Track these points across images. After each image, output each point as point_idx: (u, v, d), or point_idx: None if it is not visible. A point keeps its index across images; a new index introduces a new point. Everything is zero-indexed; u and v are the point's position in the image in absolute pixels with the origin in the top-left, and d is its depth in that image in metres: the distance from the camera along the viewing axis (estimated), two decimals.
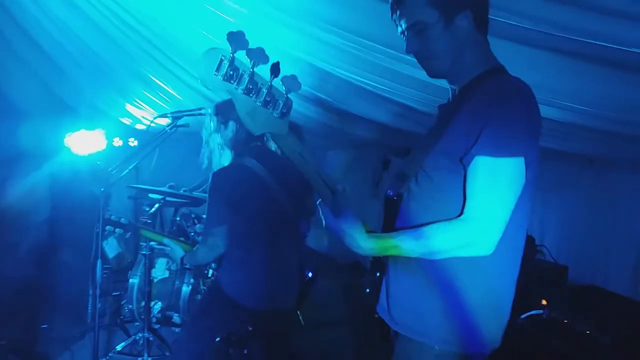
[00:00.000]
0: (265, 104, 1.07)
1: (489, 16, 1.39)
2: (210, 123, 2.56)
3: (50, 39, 4.23)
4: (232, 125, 2.51)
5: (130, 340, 3.83)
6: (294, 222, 2.67)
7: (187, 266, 2.63)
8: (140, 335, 3.77)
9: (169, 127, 2.54)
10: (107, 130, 5.85)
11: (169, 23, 3.17)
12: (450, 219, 1.28)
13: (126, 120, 6.64)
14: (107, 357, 3.68)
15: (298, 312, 3.84)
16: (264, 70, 1.08)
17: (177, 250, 2.70)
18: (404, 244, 1.29)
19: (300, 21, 2.32)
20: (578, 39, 1.67)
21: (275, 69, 1.05)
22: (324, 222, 1.35)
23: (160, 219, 5.63)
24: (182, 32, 3.24)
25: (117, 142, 6.29)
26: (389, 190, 1.46)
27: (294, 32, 2.46)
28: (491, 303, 1.34)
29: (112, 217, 2.73)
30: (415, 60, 2.16)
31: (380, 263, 1.53)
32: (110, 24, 3.54)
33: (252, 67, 1.02)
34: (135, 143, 6.60)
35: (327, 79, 3.09)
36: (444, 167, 1.30)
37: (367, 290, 1.56)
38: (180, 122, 2.71)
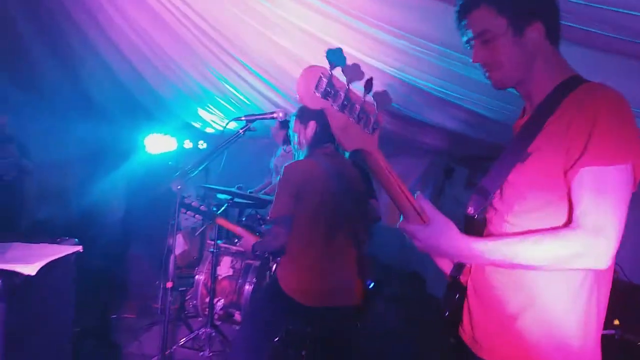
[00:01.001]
0: (358, 120, 1.07)
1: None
2: (293, 123, 2.68)
3: (130, 44, 4.49)
4: (312, 125, 2.62)
5: (193, 334, 3.96)
6: (354, 223, 2.71)
7: (257, 252, 2.72)
8: (202, 330, 3.89)
9: (242, 129, 2.64)
10: (179, 132, 6.15)
11: (239, 28, 3.28)
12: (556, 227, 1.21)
13: (197, 124, 6.91)
14: (171, 350, 3.83)
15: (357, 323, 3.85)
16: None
17: (249, 238, 2.80)
18: (506, 248, 1.18)
19: (370, 26, 2.35)
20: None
21: (368, 85, 1.06)
22: (417, 242, 1.26)
23: (227, 219, 5.82)
24: (252, 38, 3.36)
25: (188, 144, 6.56)
26: (469, 208, 1.37)
27: (363, 37, 2.50)
28: (587, 323, 1.25)
29: (192, 203, 2.89)
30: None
31: (459, 284, 1.47)
32: (185, 29, 3.73)
33: (348, 84, 1.03)
34: (205, 145, 6.86)
35: (392, 84, 3.10)
36: (541, 185, 1.24)
37: (447, 313, 1.48)
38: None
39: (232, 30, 3.39)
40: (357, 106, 1.05)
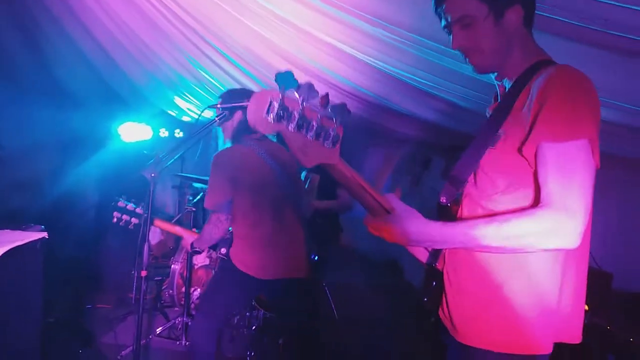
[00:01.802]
0: (317, 136, 1.05)
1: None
2: (217, 117, 2.70)
3: (105, 30, 4.40)
4: (238, 115, 2.67)
5: (169, 324, 3.95)
6: (295, 198, 2.78)
7: (196, 249, 2.73)
8: (179, 319, 3.88)
9: (218, 117, 2.61)
10: (155, 121, 6.06)
11: (217, 16, 3.24)
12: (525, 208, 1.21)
13: (173, 112, 6.82)
14: (147, 339, 3.81)
15: (332, 306, 3.88)
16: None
17: (187, 237, 2.81)
18: (476, 231, 1.18)
19: (345, 14, 2.34)
20: (628, 35, 1.63)
21: (324, 101, 1.04)
22: (386, 236, 1.28)
23: (203, 208, 5.78)
24: (231, 26, 3.31)
25: (164, 132, 6.48)
26: (442, 198, 1.36)
27: (339, 24, 2.49)
28: (561, 301, 1.27)
29: (127, 206, 2.84)
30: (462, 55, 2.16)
31: (436, 270, 1.48)
32: (161, 16, 3.66)
33: (302, 103, 1.02)
34: (181, 134, 6.78)
35: (370, 74, 3.10)
36: (508, 165, 1.25)
37: (425, 299, 1.49)
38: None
39: (208, 16, 3.34)
40: (314, 123, 1.04)
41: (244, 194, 2.56)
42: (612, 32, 1.67)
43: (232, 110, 2.66)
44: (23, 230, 2.31)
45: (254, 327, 3.72)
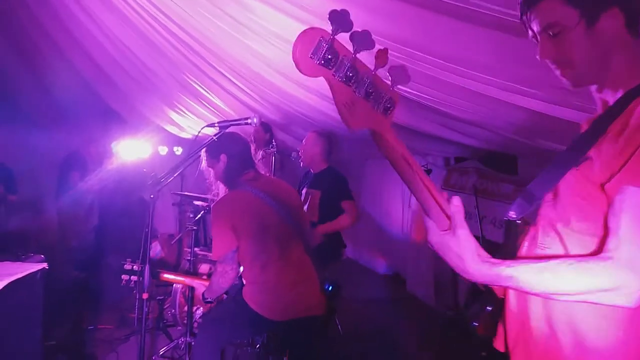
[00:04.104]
0: (367, 95, 0.92)
1: None
2: (203, 160, 2.72)
3: (100, 48, 4.41)
4: (223, 158, 2.65)
5: (172, 344, 3.90)
6: (300, 232, 2.74)
7: (208, 300, 2.71)
8: (182, 339, 3.83)
9: (216, 136, 2.59)
10: (153, 138, 6.05)
11: (214, 34, 3.25)
12: (586, 255, 1.06)
13: (172, 129, 6.83)
14: None
15: (337, 319, 3.84)
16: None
17: (198, 287, 2.82)
18: (523, 276, 1.04)
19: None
20: None
21: (382, 57, 0.91)
22: (429, 236, 1.14)
23: (204, 226, 5.74)
24: (227, 43, 3.32)
25: (163, 149, 6.47)
26: (511, 212, 1.22)
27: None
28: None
29: (133, 267, 2.87)
30: (462, 69, 2.15)
31: (494, 296, 1.33)
32: (157, 33, 3.67)
33: (354, 53, 0.89)
34: (180, 151, 6.77)
35: None
36: (587, 195, 1.09)
37: (475, 324, 1.34)
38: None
39: (205, 35, 3.34)
40: (366, 79, 0.91)
41: (248, 240, 2.53)
42: None
43: (218, 154, 2.65)
44: (22, 261, 2.29)
45: (257, 346, 3.67)
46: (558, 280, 1.02)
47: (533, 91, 2.15)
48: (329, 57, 0.87)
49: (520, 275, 1.05)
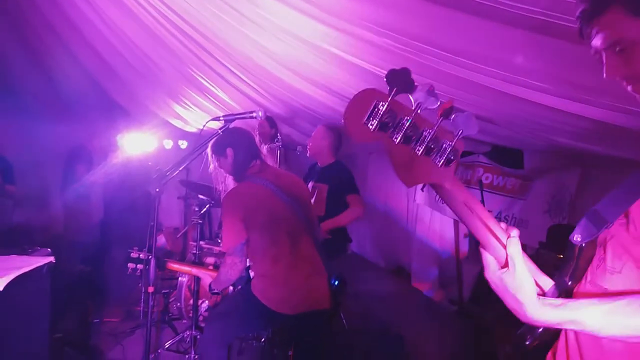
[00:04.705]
0: (428, 152, 0.86)
1: None
2: (211, 160, 2.72)
3: (105, 41, 4.40)
4: (230, 152, 2.65)
5: (178, 337, 3.92)
6: (310, 225, 2.74)
7: (215, 291, 2.71)
8: (187, 332, 3.85)
9: (221, 129, 2.59)
10: (159, 131, 6.06)
11: (219, 27, 3.23)
12: None
13: (177, 123, 6.82)
14: (156, 353, 3.78)
15: (342, 314, 3.85)
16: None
17: (205, 278, 2.82)
18: (589, 321, 0.97)
19: (350, 24, 2.32)
20: None
21: (446, 112, 0.86)
22: (485, 272, 1.07)
23: (209, 219, 5.76)
24: (232, 36, 3.30)
25: (168, 143, 6.47)
26: (576, 235, 1.13)
27: (346, 36, 2.46)
28: None
29: (140, 255, 2.86)
30: (472, 63, 2.13)
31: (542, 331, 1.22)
32: (161, 27, 3.65)
33: (415, 111, 0.83)
34: (185, 144, 6.77)
35: (376, 83, 3.06)
36: None
37: (528, 342, 1.22)
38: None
39: (211, 29, 3.32)
40: (427, 135, 0.85)
41: (259, 233, 2.53)
42: None
43: (223, 149, 2.66)
44: (29, 254, 2.29)
45: (263, 340, 3.68)
46: (630, 323, 0.94)
47: (540, 84, 2.13)
48: (386, 120, 0.83)
49: (586, 319, 0.97)
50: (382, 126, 0.83)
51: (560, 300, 1.01)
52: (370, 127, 0.83)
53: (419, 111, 0.84)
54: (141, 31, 3.92)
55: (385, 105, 0.82)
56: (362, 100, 0.83)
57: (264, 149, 2.86)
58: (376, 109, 0.82)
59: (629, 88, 1.10)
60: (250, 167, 2.66)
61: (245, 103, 4.78)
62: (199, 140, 2.79)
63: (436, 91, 0.84)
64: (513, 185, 4.41)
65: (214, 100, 5.19)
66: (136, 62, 4.71)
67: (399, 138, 0.84)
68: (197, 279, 3.83)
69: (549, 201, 4.04)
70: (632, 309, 0.94)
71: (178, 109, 6.07)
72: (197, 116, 6.13)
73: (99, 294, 4.66)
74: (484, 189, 4.34)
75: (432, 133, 0.85)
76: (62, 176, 5.20)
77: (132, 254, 2.85)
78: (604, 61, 1.09)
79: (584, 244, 1.13)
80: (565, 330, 1.16)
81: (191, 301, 3.83)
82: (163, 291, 4.38)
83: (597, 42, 1.08)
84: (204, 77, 4.51)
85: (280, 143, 4.02)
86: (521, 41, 1.82)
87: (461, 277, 4.93)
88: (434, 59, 2.22)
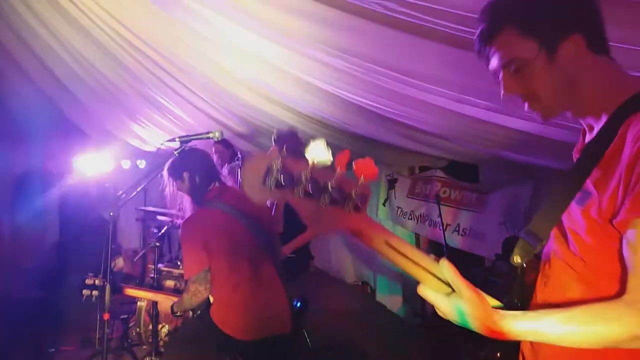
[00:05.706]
0: (333, 202, 0.87)
1: None
2: (168, 183, 2.68)
3: (61, 62, 4.31)
4: (186, 176, 2.62)
5: None
6: (271, 248, 2.72)
7: (177, 314, 2.65)
8: (147, 359, 3.75)
9: (177, 151, 2.56)
10: (116, 152, 5.93)
11: (177, 47, 3.22)
12: (606, 298, 0.98)
13: (135, 142, 6.70)
14: None
15: (305, 333, 3.82)
16: None
17: (163, 302, 2.76)
18: (548, 329, 0.96)
19: (307, 47, 2.36)
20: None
21: (343, 159, 0.88)
22: (438, 311, 1.06)
23: (169, 241, 5.64)
24: (190, 55, 3.30)
25: (125, 163, 6.34)
26: (516, 257, 1.12)
27: (302, 57, 2.50)
28: None
29: (95, 282, 2.79)
30: (421, 83, 2.20)
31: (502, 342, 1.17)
32: (118, 47, 3.61)
33: (311, 167, 0.86)
34: (144, 164, 6.65)
35: (333, 102, 3.12)
36: (601, 230, 1.00)
37: (498, 354, 1.22)
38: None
39: (169, 49, 3.31)
40: (329, 187, 0.87)
41: (219, 260, 2.48)
42: None
43: (180, 173, 2.63)
44: None
45: None
46: (588, 331, 0.94)
47: (484, 102, 2.21)
48: (283, 179, 0.86)
49: (545, 329, 0.97)
50: (279, 184, 0.86)
51: (520, 312, 1.01)
52: (269, 188, 0.86)
53: (314, 166, 0.86)
54: (98, 51, 3.86)
55: (279, 165, 0.85)
56: (256, 164, 0.87)
57: (225, 169, 2.84)
58: (271, 171, 0.86)
59: (526, 106, 1.14)
60: (209, 191, 2.62)
61: (207, 122, 4.75)
62: (156, 159, 2.75)
63: (328, 145, 0.88)
64: (470, 199, 4.52)
65: (173, 119, 5.14)
66: (92, 82, 4.62)
67: (300, 192, 0.86)
68: (156, 304, 3.75)
69: (504, 213, 4.15)
70: (590, 315, 0.94)
71: (136, 128, 5.98)
72: (156, 135, 6.05)
73: (54, 321, 4.49)
74: (442, 203, 4.42)
75: (333, 183, 0.87)
76: (13, 199, 5.03)
77: (86, 280, 2.76)
78: (501, 81, 1.13)
79: (524, 264, 1.12)
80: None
81: (151, 326, 3.74)
82: (122, 316, 4.26)
83: (494, 62, 1.12)
84: (163, 97, 4.47)
85: (241, 162, 4.00)
86: (460, 58, 1.89)
87: None
88: (384, 78, 2.28)
